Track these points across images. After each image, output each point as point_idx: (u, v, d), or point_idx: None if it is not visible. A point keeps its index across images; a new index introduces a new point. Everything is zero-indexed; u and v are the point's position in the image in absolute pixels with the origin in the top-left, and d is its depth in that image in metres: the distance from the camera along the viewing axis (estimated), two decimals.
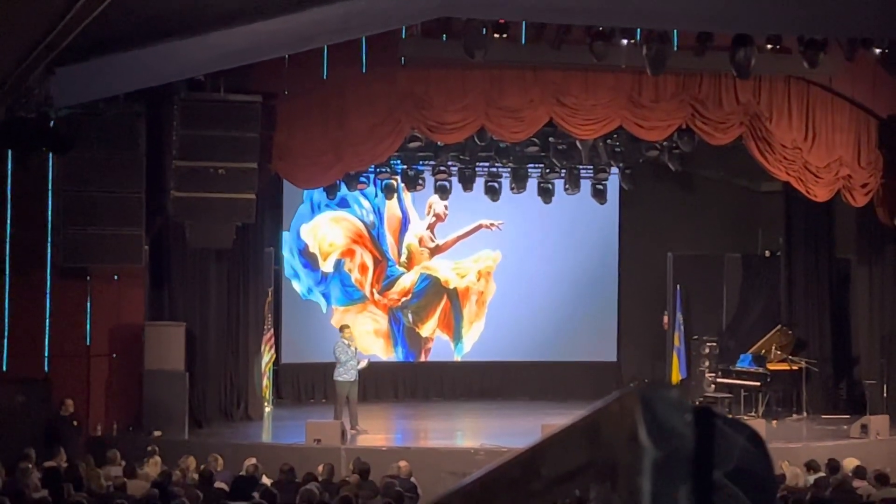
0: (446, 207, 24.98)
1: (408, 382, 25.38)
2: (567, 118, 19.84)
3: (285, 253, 24.51)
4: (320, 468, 15.78)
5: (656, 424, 0.84)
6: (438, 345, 25.61)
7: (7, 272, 18.96)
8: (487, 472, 0.92)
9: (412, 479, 15.95)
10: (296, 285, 24.73)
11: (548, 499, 1.03)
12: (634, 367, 25.91)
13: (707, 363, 23.92)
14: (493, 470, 0.89)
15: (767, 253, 25.40)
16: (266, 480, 15.54)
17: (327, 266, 24.89)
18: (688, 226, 25.17)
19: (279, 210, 24.12)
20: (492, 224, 25.43)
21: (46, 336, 19.35)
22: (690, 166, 22.91)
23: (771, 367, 22.24)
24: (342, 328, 21.16)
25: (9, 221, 18.91)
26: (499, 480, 0.88)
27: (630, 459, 0.77)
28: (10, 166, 18.65)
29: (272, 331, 23.09)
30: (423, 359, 25.66)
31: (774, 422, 21.22)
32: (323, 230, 24.87)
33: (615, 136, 21.64)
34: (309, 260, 24.83)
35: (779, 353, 22.58)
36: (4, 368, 19.01)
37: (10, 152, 18.13)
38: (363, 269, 25.15)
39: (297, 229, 24.68)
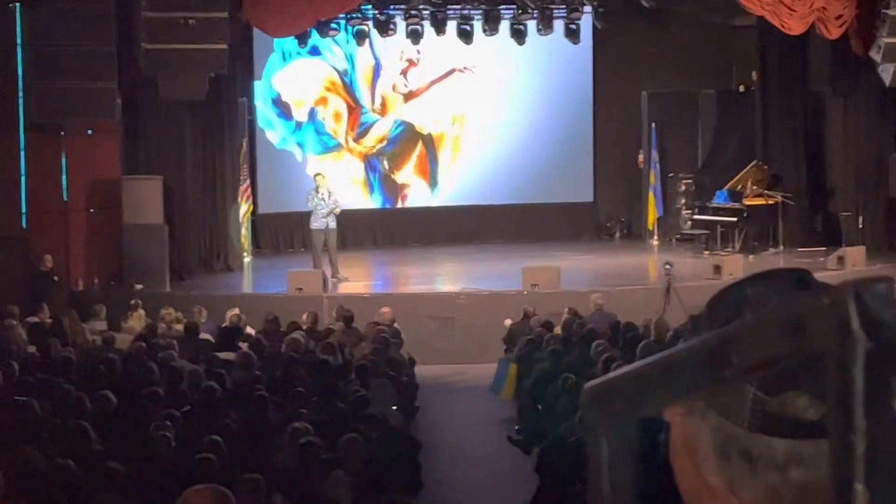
0: (418, 52, 24.78)
1: (386, 229, 25.45)
2: None
3: (258, 103, 24.36)
4: (304, 317, 15.89)
5: (868, 317, 0.86)
6: (415, 190, 25.62)
7: None
8: (669, 355, 0.92)
9: (395, 325, 16.09)
10: (270, 135, 24.63)
11: (732, 387, 1.04)
12: (611, 207, 26.02)
13: (683, 200, 24.06)
14: (676, 353, 0.89)
15: (741, 88, 25.38)
16: (250, 330, 15.64)
17: (301, 115, 24.77)
18: (661, 64, 25.04)
19: (251, 60, 23.90)
20: (465, 68, 25.27)
21: (23, 193, 19.26)
22: (663, 2, 22.71)
23: (747, 202, 22.33)
24: (314, 176, 21.03)
25: None
26: (682, 364, 0.89)
27: (840, 350, 0.78)
28: None
29: (248, 181, 23.06)
30: (400, 205, 25.70)
31: (751, 256, 21.35)
32: (295, 79, 24.69)
33: None
34: (282, 109, 24.70)
35: (755, 188, 22.65)
36: None
37: None
38: (337, 117, 25.04)
39: (269, 79, 24.51)
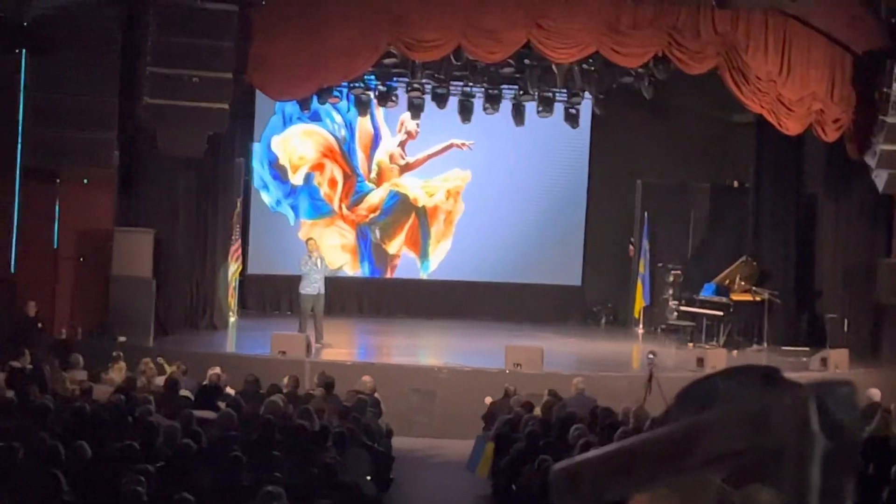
0: (418, 125, 24.94)
1: (373, 298, 25.49)
2: (544, 41, 19.73)
3: (255, 164, 24.47)
4: (285, 380, 15.83)
5: (828, 417, 0.89)
6: (405, 262, 25.68)
7: None
8: (634, 442, 0.95)
9: (376, 395, 16.06)
10: (265, 197, 24.72)
11: (696, 477, 1.06)
12: (598, 293, 26.07)
13: (671, 291, 24.12)
14: (641, 441, 0.93)
15: (736, 184, 25.53)
16: (230, 390, 15.59)
17: (297, 179, 24.87)
18: (658, 154, 25.21)
19: (251, 121, 24.03)
20: (463, 144, 25.43)
21: (14, 237, 19.30)
22: (664, 94, 22.85)
23: (734, 297, 22.41)
24: (307, 241, 21.15)
25: None
26: (646, 452, 0.92)
27: (799, 448, 0.81)
28: None
29: (239, 241, 23.10)
30: (389, 275, 25.76)
31: (735, 352, 21.40)
32: (294, 143, 24.82)
33: (590, 60, 21.54)
34: (279, 172, 24.80)
35: (742, 283, 22.74)
36: None
37: None
38: (332, 183, 25.14)
39: (268, 141, 24.62)
